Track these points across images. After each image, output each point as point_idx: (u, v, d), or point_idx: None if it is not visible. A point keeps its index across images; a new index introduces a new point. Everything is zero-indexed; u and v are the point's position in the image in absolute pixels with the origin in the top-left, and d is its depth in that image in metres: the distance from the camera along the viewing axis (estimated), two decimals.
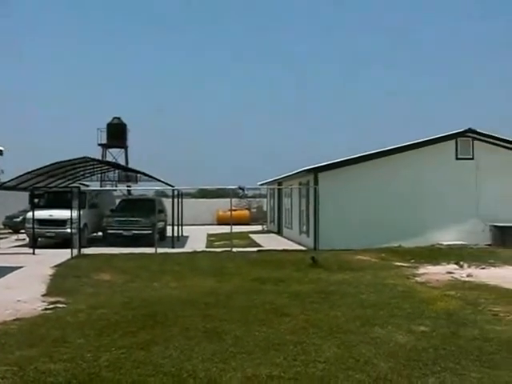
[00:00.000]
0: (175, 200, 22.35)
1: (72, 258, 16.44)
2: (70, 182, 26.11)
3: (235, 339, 6.89)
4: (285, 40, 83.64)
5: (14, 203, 27.88)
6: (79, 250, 17.47)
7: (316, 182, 18.81)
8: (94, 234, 22.66)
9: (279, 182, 27.00)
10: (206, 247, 20.36)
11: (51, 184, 24.58)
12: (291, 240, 22.74)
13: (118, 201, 25.87)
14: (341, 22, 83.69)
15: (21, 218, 25.39)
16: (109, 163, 30.47)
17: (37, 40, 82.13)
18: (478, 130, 19.47)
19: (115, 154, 40.91)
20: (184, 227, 25.73)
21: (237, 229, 22.27)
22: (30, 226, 19.50)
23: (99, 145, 39.74)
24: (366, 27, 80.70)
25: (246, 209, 37.17)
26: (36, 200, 21.92)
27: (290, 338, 6.95)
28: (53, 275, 12.98)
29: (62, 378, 5.47)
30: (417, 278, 12.29)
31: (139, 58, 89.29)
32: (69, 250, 16.83)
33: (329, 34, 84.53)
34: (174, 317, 8.13)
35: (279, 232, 27.67)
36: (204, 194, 42.67)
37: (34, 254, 17.89)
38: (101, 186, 30.96)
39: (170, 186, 22.35)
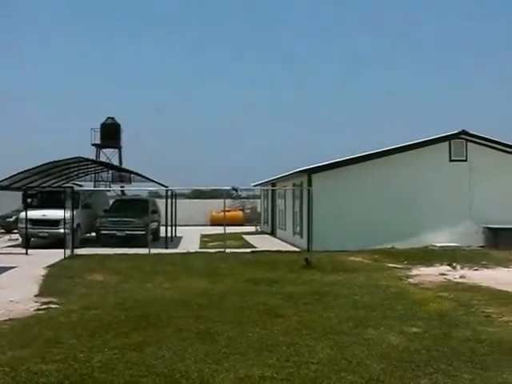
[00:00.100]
0: (169, 200, 22.36)
1: (65, 258, 16.38)
2: (63, 181, 26.06)
3: (228, 340, 6.89)
4: (285, 40, 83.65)
5: (6, 203, 27.73)
6: (72, 251, 17.40)
7: (309, 183, 18.80)
8: (88, 235, 22.59)
9: (273, 183, 27.00)
10: (200, 248, 20.35)
11: (45, 184, 24.52)
12: (285, 241, 22.74)
13: (111, 201, 25.83)
14: (341, 22, 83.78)
15: (14, 217, 25.31)
16: (102, 163, 30.42)
17: (37, 40, 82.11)
18: (472, 132, 19.53)
19: (109, 155, 40.93)
20: (177, 228, 25.70)
21: (230, 230, 22.27)
22: (23, 225, 19.41)
23: (93, 145, 39.72)
24: (366, 27, 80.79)
25: (240, 210, 37.12)
26: (29, 200, 21.85)
27: (283, 339, 6.96)
28: (45, 275, 12.94)
29: (54, 379, 5.46)
30: (410, 280, 12.33)
31: (139, 58, 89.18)
32: (62, 251, 16.75)
33: (329, 34, 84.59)
34: (166, 318, 8.12)
35: (273, 233, 27.66)
36: (198, 194, 42.59)
37: (26, 254, 17.82)
38: (94, 187, 30.90)
39: (163, 186, 22.32)
